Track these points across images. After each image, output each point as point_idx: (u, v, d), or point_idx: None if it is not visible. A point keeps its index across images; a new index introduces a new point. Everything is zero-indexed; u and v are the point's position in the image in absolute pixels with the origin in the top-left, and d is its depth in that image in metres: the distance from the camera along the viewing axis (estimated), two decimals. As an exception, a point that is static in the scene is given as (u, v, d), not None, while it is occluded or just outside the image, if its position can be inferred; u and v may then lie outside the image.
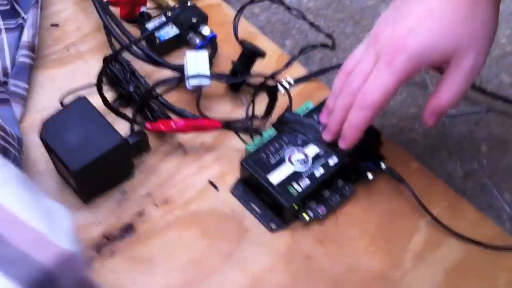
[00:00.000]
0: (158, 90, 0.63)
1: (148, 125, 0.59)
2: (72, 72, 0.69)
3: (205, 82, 0.61)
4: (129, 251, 0.56)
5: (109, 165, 0.56)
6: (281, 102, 0.63)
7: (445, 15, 0.49)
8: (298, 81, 0.68)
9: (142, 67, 0.67)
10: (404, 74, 0.50)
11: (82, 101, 0.57)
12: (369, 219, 0.58)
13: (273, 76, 0.62)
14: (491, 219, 0.59)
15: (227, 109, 0.66)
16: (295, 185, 0.56)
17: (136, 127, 0.60)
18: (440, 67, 0.54)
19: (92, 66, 0.68)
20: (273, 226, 0.57)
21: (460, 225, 0.57)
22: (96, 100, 0.59)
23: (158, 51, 0.68)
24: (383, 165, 0.58)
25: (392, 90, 0.51)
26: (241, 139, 0.61)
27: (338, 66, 0.71)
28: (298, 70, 0.70)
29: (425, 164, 0.63)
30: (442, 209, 0.59)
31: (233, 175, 0.61)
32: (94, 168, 0.54)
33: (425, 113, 0.53)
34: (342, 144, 0.56)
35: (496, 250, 0.56)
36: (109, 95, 0.66)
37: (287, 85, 0.64)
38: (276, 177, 0.56)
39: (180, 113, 0.64)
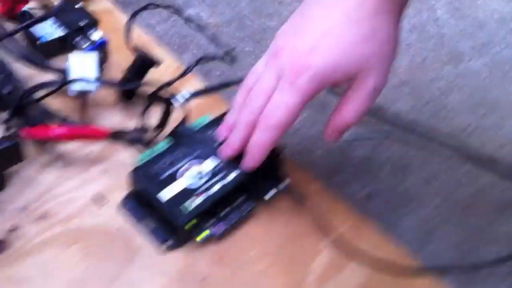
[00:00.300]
0: (40, 95, 0.57)
1: (22, 131, 0.53)
2: None
3: (90, 87, 0.56)
4: (2, 269, 0.48)
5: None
6: (178, 116, 0.58)
7: (346, 34, 0.48)
8: (195, 94, 0.63)
9: (23, 70, 0.60)
10: (308, 94, 0.48)
11: None
12: (270, 239, 0.54)
13: (167, 85, 0.57)
14: (393, 241, 0.57)
15: (117, 119, 0.60)
16: (188, 202, 0.51)
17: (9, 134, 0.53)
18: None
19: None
20: (167, 244, 0.52)
21: (364, 247, 0.55)
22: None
23: (41, 53, 0.61)
24: (281, 186, 0.55)
25: (297, 110, 0.49)
26: (131, 149, 0.55)
27: (238, 81, 0.68)
28: (196, 84, 0.66)
29: (327, 185, 0.60)
30: (346, 230, 0.56)
31: (122, 190, 0.55)
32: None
33: (328, 130, 0.52)
34: (247, 164, 0.53)
35: (400, 275, 0.54)
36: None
37: (181, 99, 0.59)
38: (167, 193, 0.51)
39: (63, 121, 0.58)
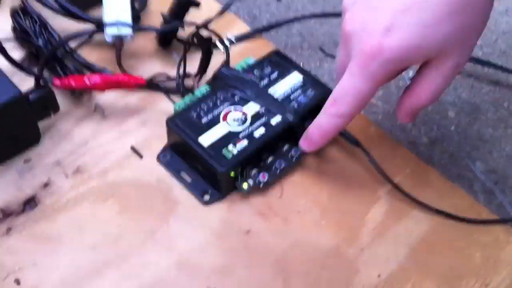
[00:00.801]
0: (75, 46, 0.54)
1: (56, 81, 0.50)
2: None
3: (126, 31, 0.52)
4: (30, 227, 0.46)
5: (5, 125, 0.46)
6: (219, 60, 0.54)
7: (429, 9, 0.39)
8: (240, 38, 0.59)
9: (59, 23, 0.57)
10: (380, 80, 0.42)
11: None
12: (320, 189, 0.49)
13: (206, 24, 0.52)
14: (461, 189, 0.51)
15: (156, 69, 0.56)
16: (231, 147, 0.47)
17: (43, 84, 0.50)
18: None
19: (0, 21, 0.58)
20: (207, 197, 0.48)
21: (426, 195, 0.49)
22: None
23: (77, 4, 0.58)
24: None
25: (368, 98, 0.43)
26: (170, 98, 0.52)
27: (285, 22, 0.63)
28: (242, 28, 0.61)
29: (385, 129, 0.54)
30: (405, 177, 0.50)
31: (161, 141, 0.51)
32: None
33: (401, 112, 0.46)
34: (305, 145, 0.48)
35: (469, 223, 0.48)
36: (19, 53, 0.57)
37: (224, 43, 0.55)
38: (208, 138, 0.47)
39: (99, 72, 0.55)
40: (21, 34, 0.56)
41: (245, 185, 0.47)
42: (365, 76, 0.42)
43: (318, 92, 0.50)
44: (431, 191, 0.50)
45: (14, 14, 0.55)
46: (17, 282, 0.43)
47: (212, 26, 0.53)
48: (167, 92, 0.53)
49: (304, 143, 0.48)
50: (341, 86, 0.44)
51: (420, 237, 0.47)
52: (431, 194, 0.49)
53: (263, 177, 0.48)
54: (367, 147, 0.49)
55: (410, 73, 0.61)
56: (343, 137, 0.50)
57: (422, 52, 0.41)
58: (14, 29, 0.57)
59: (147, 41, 0.59)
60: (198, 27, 0.51)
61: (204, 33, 0.52)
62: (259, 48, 0.57)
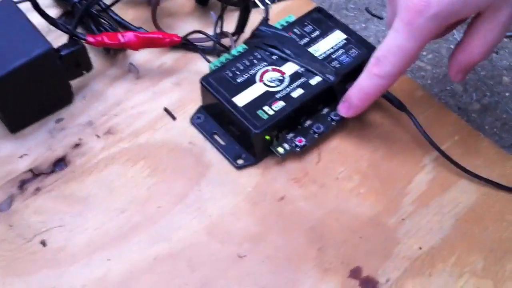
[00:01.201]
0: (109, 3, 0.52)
1: (89, 37, 0.48)
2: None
3: (161, -15, 0.50)
4: (58, 188, 0.45)
5: (36, 81, 0.45)
6: (258, 19, 0.51)
7: None
8: (281, -3, 0.56)
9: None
10: (427, 36, 0.39)
11: (6, 4, 0.46)
12: (360, 155, 0.47)
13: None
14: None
15: (193, 27, 0.53)
16: (267, 108, 0.44)
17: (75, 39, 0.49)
18: None
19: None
20: (240, 162, 0.46)
21: (476, 164, 0.46)
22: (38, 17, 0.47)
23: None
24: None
25: (413, 57, 0.40)
26: (205, 58, 0.49)
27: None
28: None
29: (434, 94, 0.51)
30: (453, 145, 0.47)
31: (195, 103, 0.49)
32: (16, 82, 0.44)
33: (453, 69, 0.43)
34: (344, 109, 0.45)
35: (520, 195, 0.45)
36: (56, 11, 0.55)
37: (267, 0, 0.52)
38: (243, 98, 0.45)
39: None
40: (56, -8, 0.55)
41: (280, 149, 0.45)
42: (410, 33, 0.39)
43: (362, 52, 0.47)
44: (481, 160, 0.46)
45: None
46: (43, 243, 0.42)
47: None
48: (203, 51, 0.50)
49: (343, 107, 0.45)
50: (385, 44, 0.41)
51: (467, 208, 0.44)
52: (481, 163, 0.46)
53: (300, 142, 0.45)
54: (414, 112, 0.46)
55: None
56: (388, 101, 0.47)
57: (471, 4, 0.38)
58: (50, -14, 0.55)
59: (185, 2, 0.56)
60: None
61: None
62: (301, 7, 0.54)
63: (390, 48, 0.40)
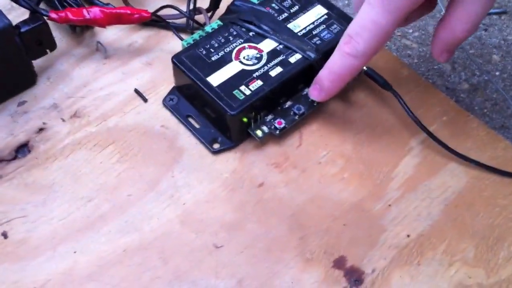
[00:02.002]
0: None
1: (52, 13, 0.45)
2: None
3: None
4: (21, 176, 0.42)
5: (-5, 61, 0.42)
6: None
7: None
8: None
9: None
10: (403, 11, 0.36)
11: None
12: (344, 138, 0.44)
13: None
14: (505, 140, 0.45)
15: (165, 3, 0.51)
16: (243, 88, 0.41)
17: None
18: None
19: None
20: (216, 146, 0.43)
21: (465, 146, 0.43)
22: None
23: None
24: (363, 67, 0.44)
25: (389, 33, 0.37)
26: (178, 35, 0.46)
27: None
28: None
29: (421, 73, 0.48)
30: (441, 126, 0.45)
31: (168, 84, 0.46)
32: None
33: (436, 49, 0.40)
34: (314, 92, 0.42)
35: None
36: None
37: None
38: (217, 77, 0.42)
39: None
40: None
41: (259, 132, 0.42)
42: (385, 7, 0.36)
43: (344, 28, 0.44)
44: (471, 142, 0.44)
45: None
46: (4, 235, 0.39)
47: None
48: (176, 29, 0.47)
49: (314, 90, 0.42)
50: (357, 20, 0.38)
51: (457, 193, 0.41)
52: (470, 145, 0.44)
53: (280, 124, 0.42)
54: (400, 92, 0.43)
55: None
56: (372, 79, 0.44)
57: None
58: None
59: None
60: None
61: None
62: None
63: (363, 24, 0.37)
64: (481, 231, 0.40)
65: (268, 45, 0.43)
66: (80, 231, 0.39)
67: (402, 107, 0.43)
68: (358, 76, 0.44)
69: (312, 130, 0.44)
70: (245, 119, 0.42)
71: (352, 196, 0.41)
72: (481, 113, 0.49)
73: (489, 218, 0.40)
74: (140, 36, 0.49)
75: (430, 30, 0.52)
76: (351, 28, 0.38)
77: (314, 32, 0.44)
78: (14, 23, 0.42)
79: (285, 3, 0.46)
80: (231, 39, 0.44)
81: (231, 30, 0.44)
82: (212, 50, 0.43)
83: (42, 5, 0.48)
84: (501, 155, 0.43)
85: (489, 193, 0.41)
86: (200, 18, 0.47)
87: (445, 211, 0.40)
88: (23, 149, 0.43)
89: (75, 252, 0.39)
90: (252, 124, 0.42)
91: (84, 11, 0.45)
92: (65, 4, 0.48)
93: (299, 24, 0.45)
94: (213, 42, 0.44)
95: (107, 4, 0.50)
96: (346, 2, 0.56)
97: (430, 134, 0.43)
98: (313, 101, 0.43)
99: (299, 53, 0.43)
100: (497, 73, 0.51)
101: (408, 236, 0.39)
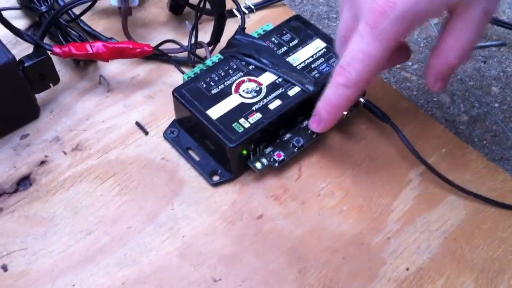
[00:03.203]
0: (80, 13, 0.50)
1: (56, 48, 0.45)
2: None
3: (131, -6, 0.47)
4: (22, 209, 0.42)
5: (-1, 95, 0.43)
6: (235, 29, 0.49)
7: None
8: (259, 6, 0.54)
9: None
10: (394, 39, 0.36)
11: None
12: (343, 170, 0.44)
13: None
14: (505, 172, 0.45)
15: (167, 38, 0.51)
16: (242, 121, 0.42)
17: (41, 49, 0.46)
18: None
19: (5, -10, 0.55)
20: (216, 178, 0.43)
21: (464, 178, 0.43)
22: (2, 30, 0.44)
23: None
24: (362, 99, 0.44)
25: (380, 62, 0.37)
26: (179, 69, 0.47)
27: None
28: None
29: (420, 104, 0.48)
30: (440, 158, 0.45)
31: (168, 117, 0.47)
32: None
33: (430, 78, 0.40)
34: (313, 124, 0.43)
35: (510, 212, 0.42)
36: (25, 22, 0.53)
37: (244, 9, 0.50)
38: (217, 111, 0.42)
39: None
40: (24, 1, 0.52)
41: (258, 165, 0.42)
42: (376, 37, 0.36)
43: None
44: (469, 174, 0.44)
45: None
46: (4, 268, 0.39)
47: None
48: (178, 63, 0.48)
49: (314, 122, 0.43)
50: (349, 52, 0.38)
51: (456, 225, 0.41)
52: (469, 177, 0.44)
53: (279, 156, 0.43)
54: (399, 124, 0.44)
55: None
56: (371, 112, 0.44)
57: (438, 2, 0.35)
58: (17, -5, 0.53)
59: (159, 9, 0.54)
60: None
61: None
62: (281, 17, 0.52)
63: (355, 55, 0.38)
64: (480, 264, 0.40)
65: (267, 78, 0.44)
66: (79, 264, 0.39)
67: (401, 139, 0.43)
68: (356, 108, 0.44)
69: (312, 162, 0.44)
70: (244, 152, 0.42)
71: (351, 228, 0.41)
72: (481, 145, 0.49)
73: (488, 251, 0.40)
74: (142, 69, 0.50)
75: (430, 62, 0.53)
76: (344, 59, 0.39)
77: (313, 66, 0.45)
78: (18, 57, 0.43)
79: (284, 37, 0.46)
80: (231, 72, 0.44)
81: (231, 63, 0.45)
82: (212, 84, 0.44)
83: (46, 40, 0.48)
84: (500, 187, 0.43)
85: (488, 226, 0.41)
86: (201, 52, 0.48)
87: (444, 244, 0.40)
88: (24, 182, 0.43)
89: (74, 285, 0.39)
90: (252, 156, 0.43)
91: (87, 46, 0.46)
92: (68, 38, 0.48)
93: (298, 58, 0.45)
94: (213, 75, 0.44)
95: (110, 38, 0.51)
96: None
97: (429, 167, 0.43)
98: (312, 133, 0.44)
99: (298, 86, 0.43)
100: (496, 105, 0.52)
101: (407, 269, 0.39)
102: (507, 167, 0.48)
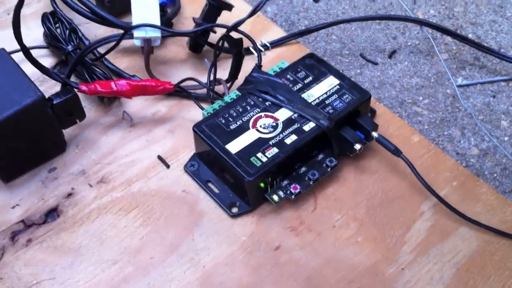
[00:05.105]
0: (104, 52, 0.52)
1: (82, 86, 0.48)
2: (12, 36, 0.58)
3: (154, 34, 0.50)
4: (50, 239, 0.44)
5: (28, 130, 0.45)
6: (253, 66, 0.51)
7: None
8: (275, 44, 0.56)
9: (90, 29, 0.56)
10: None
11: (-1, 54, 0.46)
12: (357, 202, 0.46)
13: (236, 26, 0.49)
14: (514, 204, 0.46)
15: (187, 75, 0.53)
16: (260, 155, 0.43)
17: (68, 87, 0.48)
18: None
19: (33, 30, 0.57)
20: (234, 210, 0.45)
21: (475, 211, 0.45)
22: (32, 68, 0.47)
23: (109, 10, 0.56)
24: (375, 134, 0.46)
25: None
26: (199, 105, 0.49)
27: (323, 26, 0.60)
28: (278, 33, 0.58)
29: (431, 139, 0.50)
30: (452, 191, 0.46)
31: (189, 150, 0.49)
32: (7, 131, 0.43)
33: None
34: None
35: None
36: (52, 60, 0.55)
37: (261, 47, 0.52)
38: (236, 145, 0.44)
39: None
40: (51, 40, 0.55)
41: (275, 197, 0.44)
42: None
43: (356, 97, 0.47)
44: (480, 206, 0.45)
45: (44, 18, 0.54)
46: (33, 296, 0.41)
47: (246, 31, 0.51)
48: (197, 99, 0.50)
49: None
50: None
51: (468, 257, 0.43)
52: (480, 210, 0.45)
53: (295, 189, 0.44)
54: (410, 158, 0.45)
55: (459, 80, 0.56)
56: (384, 146, 0.46)
57: None
58: (46, 35, 0.55)
59: (179, 48, 0.56)
60: (228, 29, 0.49)
61: (235, 35, 0.49)
62: (295, 54, 0.54)
63: None
64: (492, 294, 0.41)
65: (283, 114, 0.46)
66: (104, 293, 0.41)
67: (413, 172, 0.45)
68: (369, 143, 0.46)
69: (327, 194, 0.46)
70: (262, 185, 0.44)
71: (366, 259, 0.43)
72: (491, 178, 0.51)
73: (500, 281, 0.41)
74: (164, 105, 0.52)
75: (440, 97, 0.55)
76: None
77: (327, 102, 0.47)
78: (46, 95, 0.45)
79: (299, 75, 0.49)
80: (248, 108, 0.46)
81: (249, 100, 0.47)
82: (231, 119, 0.46)
83: (72, 78, 0.51)
84: (510, 219, 0.44)
85: (499, 257, 0.43)
86: (219, 88, 0.50)
87: (456, 275, 0.42)
88: (52, 213, 0.45)
89: (99, 313, 0.40)
90: (269, 189, 0.44)
91: (112, 84, 0.48)
92: (94, 77, 0.51)
93: (313, 94, 0.47)
94: (231, 111, 0.46)
95: (133, 75, 0.53)
96: (358, 71, 0.59)
97: (440, 199, 0.44)
98: (327, 166, 0.45)
99: (313, 122, 0.45)
100: (506, 138, 0.53)
101: (421, 298, 0.41)
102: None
